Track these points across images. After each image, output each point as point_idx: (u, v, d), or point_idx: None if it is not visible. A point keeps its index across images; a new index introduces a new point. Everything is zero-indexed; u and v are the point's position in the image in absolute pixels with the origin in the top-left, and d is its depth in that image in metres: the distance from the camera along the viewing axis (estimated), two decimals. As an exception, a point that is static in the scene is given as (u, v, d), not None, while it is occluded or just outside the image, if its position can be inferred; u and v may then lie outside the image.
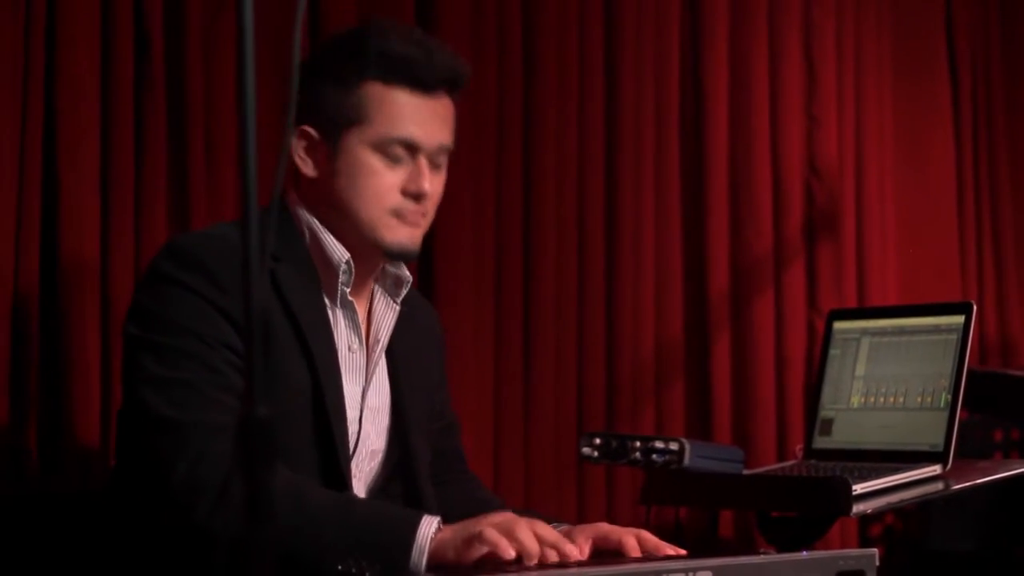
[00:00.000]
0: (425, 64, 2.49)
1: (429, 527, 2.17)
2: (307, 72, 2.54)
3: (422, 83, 2.49)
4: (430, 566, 2.14)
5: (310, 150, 2.52)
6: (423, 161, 2.50)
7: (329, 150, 2.50)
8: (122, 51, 3.16)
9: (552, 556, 2.12)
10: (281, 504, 2.12)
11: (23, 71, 3.03)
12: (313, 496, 2.26)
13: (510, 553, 2.09)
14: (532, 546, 2.11)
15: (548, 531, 2.16)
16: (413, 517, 2.20)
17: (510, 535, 2.12)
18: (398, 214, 2.50)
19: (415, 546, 2.16)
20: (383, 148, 2.48)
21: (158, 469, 2.26)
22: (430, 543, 2.16)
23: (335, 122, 2.49)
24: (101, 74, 3.15)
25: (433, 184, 2.51)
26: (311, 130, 2.51)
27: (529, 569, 2.04)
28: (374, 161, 2.48)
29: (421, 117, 2.49)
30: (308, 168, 2.53)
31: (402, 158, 2.49)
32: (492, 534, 2.11)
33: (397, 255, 2.54)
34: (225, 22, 3.30)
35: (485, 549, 2.11)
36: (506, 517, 2.18)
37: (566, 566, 2.08)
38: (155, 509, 2.30)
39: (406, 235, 2.51)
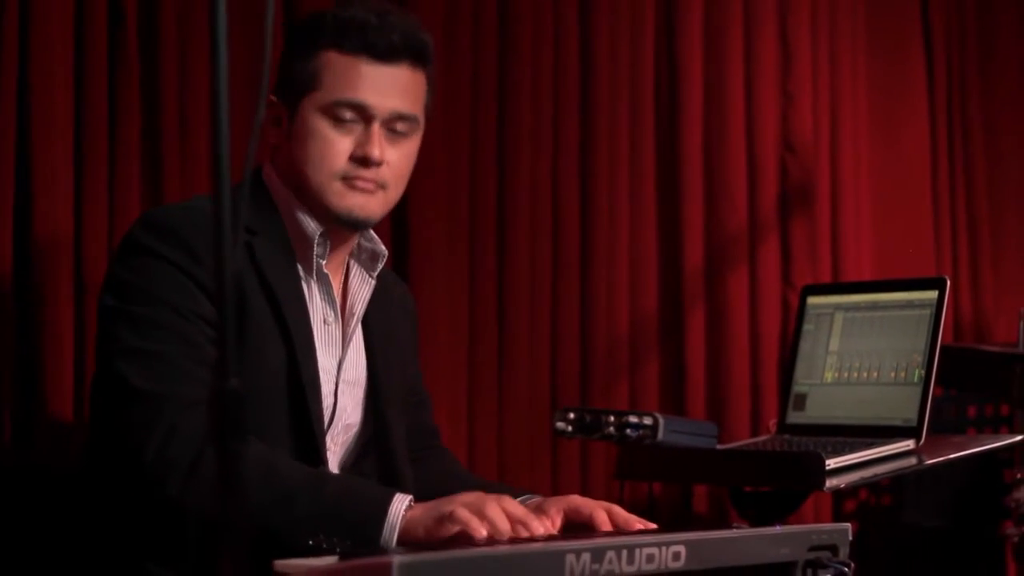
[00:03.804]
0: (378, 30, 2.49)
1: (401, 504, 2.18)
2: (283, 46, 2.57)
3: (377, 49, 2.49)
4: (400, 543, 2.15)
5: (275, 119, 2.54)
6: (376, 127, 2.49)
7: (288, 117, 2.52)
8: (96, 24, 3.15)
9: (521, 533, 2.13)
10: (252, 477, 2.14)
11: (-4, 45, 3.02)
12: (285, 470, 2.25)
13: (482, 533, 2.09)
14: (503, 525, 2.12)
15: (516, 508, 2.17)
16: (385, 494, 2.20)
17: (480, 514, 2.12)
18: (346, 180, 2.49)
19: (386, 523, 2.16)
20: (332, 112, 2.48)
21: (131, 441, 2.26)
22: (401, 520, 2.16)
23: (294, 90, 2.50)
24: (74, 49, 3.13)
25: (387, 153, 2.51)
26: (276, 99, 2.53)
27: (498, 544, 2.04)
28: (323, 126, 2.48)
29: (374, 83, 2.49)
30: (273, 136, 2.55)
31: (353, 124, 2.49)
32: (463, 513, 2.12)
33: (346, 222, 2.52)
34: (199, -4, 3.30)
35: (456, 528, 2.12)
36: (476, 496, 2.19)
37: (536, 540, 2.09)
38: (128, 482, 2.29)
39: (355, 202, 2.50)
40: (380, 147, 2.49)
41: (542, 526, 2.18)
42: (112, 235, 3.14)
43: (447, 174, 3.80)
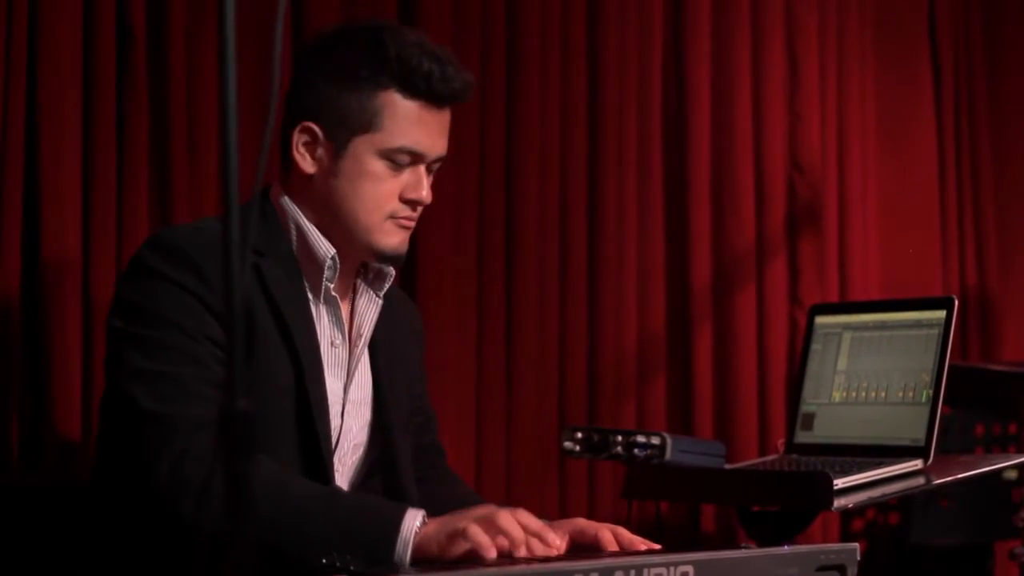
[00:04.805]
0: (441, 80, 2.51)
1: (414, 520, 2.17)
2: (313, 68, 2.55)
3: (437, 98, 2.52)
4: (413, 559, 2.14)
5: (311, 147, 2.52)
6: (423, 169, 2.54)
7: (333, 150, 2.50)
8: (104, 45, 3.16)
9: (536, 545, 2.12)
10: (264, 497, 2.14)
11: (4, 66, 3.02)
12: (297, 489, 2.25)
13: (492, 553, 2.09)
14: (517, 534, 2.11)
15: (531, 520, 2.17)
16: (397, 510, 2.20)
17: (494, 527, 2.12)
18: (395, 219, 2.53)
19: (399, 539, 2.16)
20: (390, 156, 2.50)
21: (142, 464, 2.26)
22: (414, 536, 2.16)
23: (347, 125, 2.49)
24: (83, 69, 3.14)
25: (430, 192, 2.56)
26: (316, 128, 2.51)
27: (510, 564, 2.04)
28: (379, 168, 2.51)
29: (429, 128, 2.53)
30: (307, 165, 2.52)
31: (404, 166, 2.52)
32: (476, 531, 2.11)
33: (390, 259, 2.57)
34: (208, 16, 3.29)
35: (468, 546, 2.11)
36: (489, 510, 2.18)
37: (547, 560, 2.09)
38: (139, 503, 2.29)
39: (400, 240, 2.55)
40: (428, 189, 2.55)
41: (557, 538, 2.17)
42: (120, 254, 3.14)
43: (455, 194, 3.80)
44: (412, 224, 2.57)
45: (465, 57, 3.79)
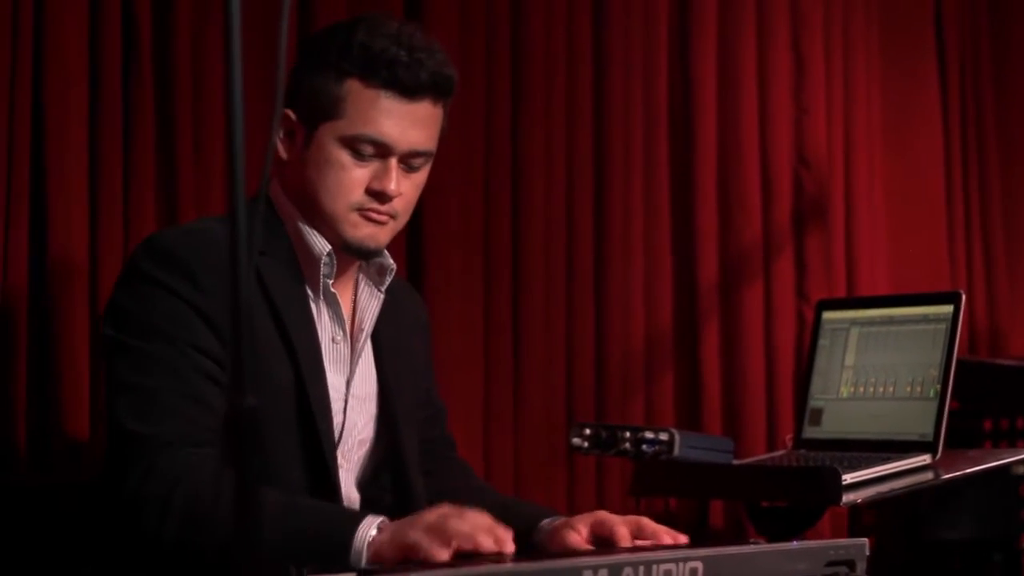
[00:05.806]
0: (407, 68, 2.46)
1: (368, 529, 2.13)
2: (298, 58, 2.56)
3: (402, 86, 2.47)
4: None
5: (289, 133, 2.52)
6: (393, 162, 2.48)
7: (304, 138, 2.50)
8: (110, 43, 3.15)
9: (487, 542, 2.05)
10: (226, 509, 2.13)
11: (11, 64, 3.02)
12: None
13: (444, 556, 2.02)
14: (465, 530, 2.04)
15: (483, 518, 2.09)
16: (352, 519, 2.16)
17: (443, 534, 2.05)
18: (361, 211, 2.49)
19: (352, 549, 2.11)
20: (352, 144, 2.46)
21: (116, 477, 2.29)
22: (368, 547, 2.11)
23: (313, 112, 2.48)
24: (89, 67, 3.14)
25: (402, 186, 2.50)
26: (292, 114, 2.50)
27: (516, 561, 2.02)
28: (342, 156, 2.47)
29: (396, 119, 2.47)
30: (283, 151, 2.52)
31: (371, 156, 2.48)
32: (426, 543, 2.04)
33: (356, 251, 2.52)
34: (213, 13, 3.29)
35: (420, 556, 2.05)
36: (440, 514, 2.11)
37: (558, 557, 2.08)
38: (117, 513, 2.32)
39: (367, 233, 2.50)
40: (397, 182, 2.48)
41: (507, 535, 2.10)
42: (127, 253, 3.14)
43: (462, 189, 3.80)
44: (382, 218, 2.50)
45: (470, 56, 3.80)
